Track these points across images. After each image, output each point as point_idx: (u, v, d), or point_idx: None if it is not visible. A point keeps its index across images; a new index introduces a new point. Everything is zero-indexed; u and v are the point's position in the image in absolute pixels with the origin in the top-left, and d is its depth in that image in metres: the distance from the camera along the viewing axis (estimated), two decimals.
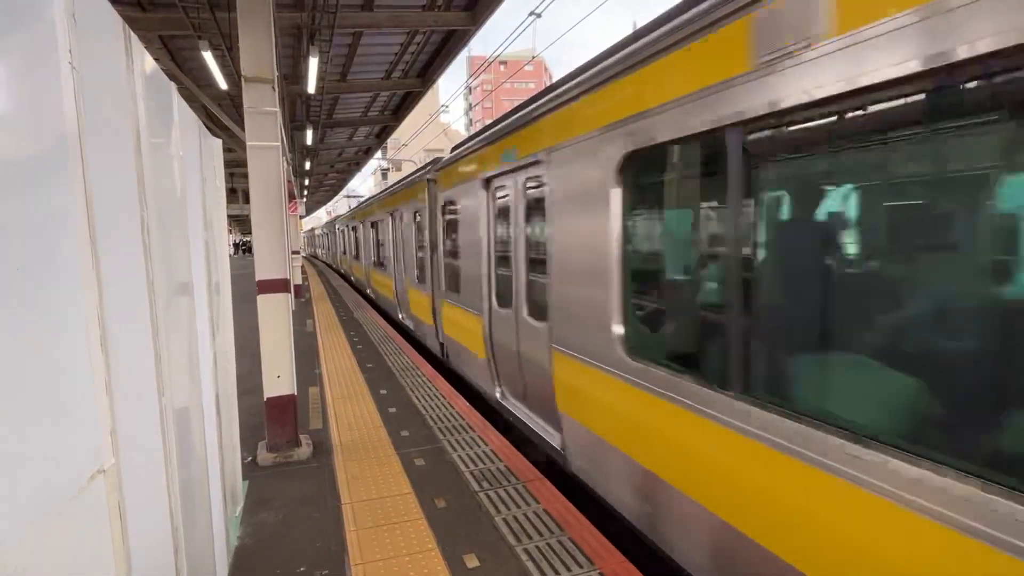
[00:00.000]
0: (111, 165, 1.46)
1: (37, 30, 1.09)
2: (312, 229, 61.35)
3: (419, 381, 7.36)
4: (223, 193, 3.63)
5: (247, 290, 6.01)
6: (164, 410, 1.75)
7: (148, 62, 1.86)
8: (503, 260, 5.70)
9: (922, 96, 1.90)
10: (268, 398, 4.83)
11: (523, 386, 5.37)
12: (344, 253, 25.87)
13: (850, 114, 2.16)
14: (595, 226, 3.67)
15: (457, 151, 7.38)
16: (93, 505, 1.19)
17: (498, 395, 6.05)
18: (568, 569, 3.18)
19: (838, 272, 2.43)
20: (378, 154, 28.28)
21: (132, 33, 1.67)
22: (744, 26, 2.45)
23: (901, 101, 1.94)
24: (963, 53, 1.66)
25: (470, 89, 73.71)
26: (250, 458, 4.85)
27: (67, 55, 1.16)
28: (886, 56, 1.87)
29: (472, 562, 3.28)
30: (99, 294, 1.26)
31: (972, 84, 1.78)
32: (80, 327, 1.19)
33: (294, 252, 15.72)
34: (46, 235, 1.10)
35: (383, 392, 6.87)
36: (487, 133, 6.05)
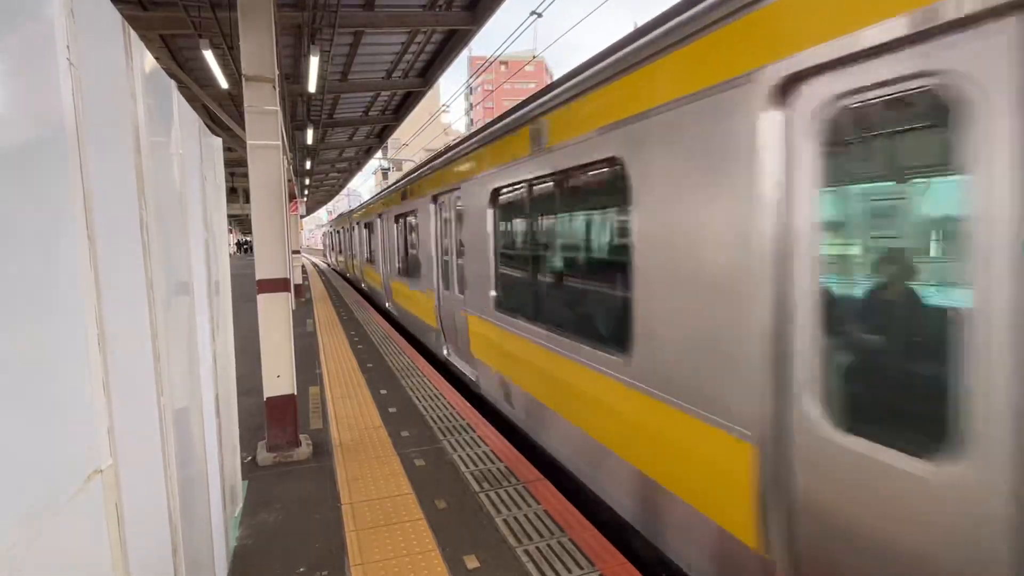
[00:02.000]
0: (110, 163, 1.45)
1: (34, 26, 1.08)
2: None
3: (419, 381, 7.35)
4: (223, 192, 3.62)
5: (247, 290, 6.00)
6: (163, 410, 1.74)
7: (148, 60, 1.85)
8: (445, 253, 7.97)
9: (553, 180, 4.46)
10: (268, 398, 4.82)
11: (456, 342, 7.58)
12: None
13: (561, 182, 4.38)
14: (482, 230, 5.83)
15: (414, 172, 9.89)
16: (90, 506, 1.18)
17: (445, 352, 8.24)
18: (569, 571, 3.17)
19: (554, 257, 4.68)
20: (378, 153, 28.25)
21: (132, 31, 1.66)
22: (526, 131, 4.66)
23: (554, 181, 4.46)
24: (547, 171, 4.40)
25: (471, 89, 73.73)
26: (250, 458, 4.84)
27: (65, 51, 1.14)
28: (562, 159, 4.10)
29: (472, 563, 3.27)
30: (97, 293, 1.25)
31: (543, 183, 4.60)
32: (78, 326, 1.18)
33: (294, 252, 15.72)
34: (44, 233, 1.09)
35: (383, 392, 6.86)
36: (434, 163, 8.35)
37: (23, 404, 0.98)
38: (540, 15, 9.14)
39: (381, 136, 20.89)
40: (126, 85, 1.60)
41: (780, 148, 2.25)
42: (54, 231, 1.13)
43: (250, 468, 4.70)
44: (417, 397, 6.63)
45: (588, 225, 4.26)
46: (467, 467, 4.59)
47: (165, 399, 1.76)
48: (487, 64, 12.80)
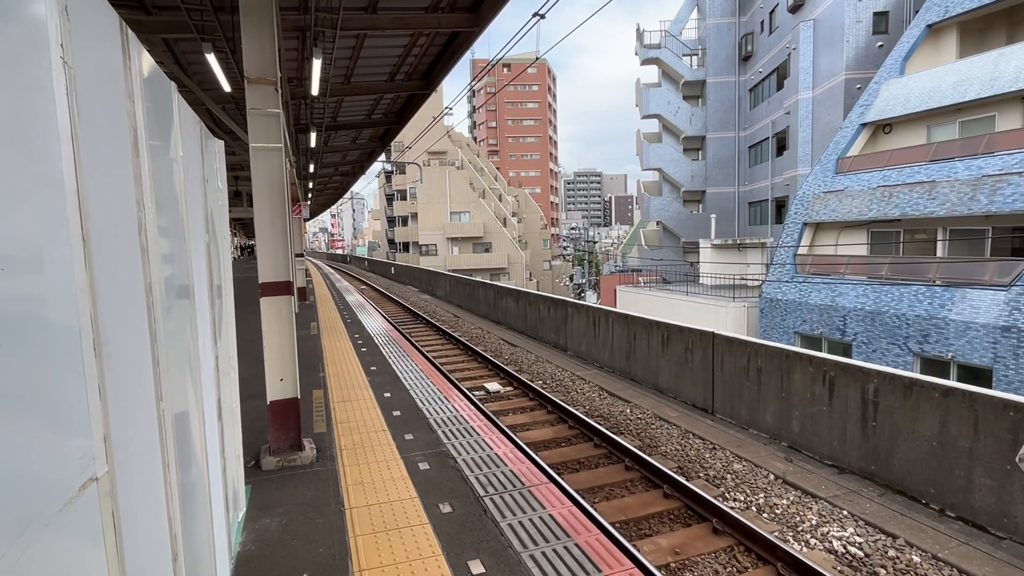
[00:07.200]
0: (107, 164, 1.42)
1: (25, 22, 1.05)
2: None
3: (423, 384, 7.31)
4: (225, 194, 3.60)
5: (251, 293, 5.98)
6: (162, 415, 1.71)
7: (147, 61, 1.82)
8: None
9: None
10: (271, 402, 4.79)
11: None
12: None
13: None
14: None
15: None
16: (85, 515, 1.14)
17: None
18: None
19: None
20: (381, 157, 28.28)
21: (130, 31, 1.63)
22: None
23: None
24: None
25: (473, 92, 73.89)
26: (253, 462, 4.82)
27: (59, 49, 1.12)
28: None
29: (477, 568, 3.23)
30: (92, 297, 1.22)
31: None
32: (72, 331, 1.15)
33: (297, 255, 15.74)
34: (36, 236, 1.06)
35: (387, 395, 6.83)
36: None
37: (14, 410, 0.95)
38: (543, 16, 9.11)
39: (384, 139, 20.90)
40: (124, 85, 1.58)
41: None
42: (47, 233, 1.10)
43: (253, 472, 4.67)
44: (421, 400, 6.59)
45: None
46: (472, 471, 4.55)
47: (164, 404, 1.73)
48: (489, 66, 12.81)
